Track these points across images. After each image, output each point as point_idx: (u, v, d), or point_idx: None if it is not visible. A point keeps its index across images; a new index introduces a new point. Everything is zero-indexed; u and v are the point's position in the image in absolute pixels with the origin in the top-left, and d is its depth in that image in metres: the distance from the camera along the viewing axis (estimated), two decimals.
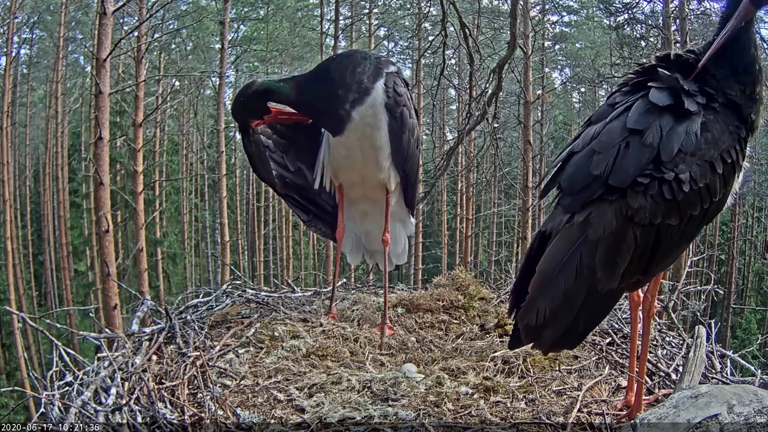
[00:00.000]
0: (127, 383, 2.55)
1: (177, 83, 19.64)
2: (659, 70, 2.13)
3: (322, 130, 3.35)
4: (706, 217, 2.09)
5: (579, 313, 1.99)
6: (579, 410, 2.35)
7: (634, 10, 11.57)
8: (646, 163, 1.97)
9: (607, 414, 2.31)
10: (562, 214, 2.06)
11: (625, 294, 2.30)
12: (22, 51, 20.30)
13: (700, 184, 2.00)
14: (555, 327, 2.00)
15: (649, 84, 2.10)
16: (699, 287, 4.25)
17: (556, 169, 2.18)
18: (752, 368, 2.92)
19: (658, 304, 3.54)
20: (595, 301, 2.00)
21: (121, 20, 12.59)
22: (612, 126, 2.07)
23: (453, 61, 15.07)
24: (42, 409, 2.39)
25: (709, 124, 2.04)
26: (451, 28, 7.11)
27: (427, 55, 11.99)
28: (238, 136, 3.51)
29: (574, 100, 26.85)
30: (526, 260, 2.16)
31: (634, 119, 2.03)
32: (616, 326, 3.29)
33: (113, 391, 2.47)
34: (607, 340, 3.11)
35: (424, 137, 20.11)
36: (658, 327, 3.33)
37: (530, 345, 2.11)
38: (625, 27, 12.22)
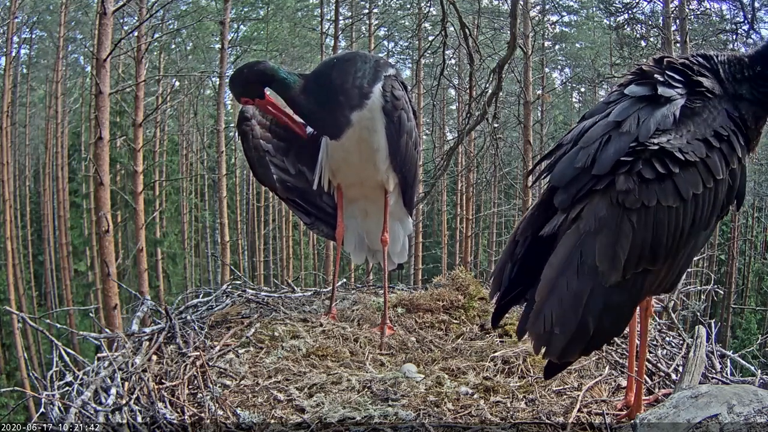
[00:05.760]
0: (127, 383, 2.55)
1: (177, 83, 19.67)
2: (649, 68, 2.14)
3: None
4: (717, 201, 2.00)
5: (586, 315, 1.90)
6: (579, 410, 2.34)
7: (634, 10, 11.58)
8: (625, 146, 1.95)
9: (607, 414, 2.31)
10: (558, 215, 2.04)
11: None
12: (22, 51, 20.37)
13: (695, 158, 1.93)
14: (563, 332, 1.90)
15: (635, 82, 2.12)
16: (699, 287, 4.25)
17: (545, 157, 2.20)
18: (752, 368, 2.91)
19: (657, 303, 3.54)
20: (602, 299, 1.91)
21: (121, 20, 12.59)
22: (599, 123, 2.07)
23: (453, 61, 15.14)
24: (42, 409, 2.39)
25: (696, 108, 2.02)
26: (451, 28, 7.11)
27: (427, 55, 11.97)
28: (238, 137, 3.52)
29: (574, 100, 26.88)
30: (511, 247, 2.14)
31: (616, 113, 2.04)
32: None
33: (113, 391, 2.47)
34: None
35: (424, 137, 20.17)
36: (658, 327, 3.32)
37: (542, 354, 2.01)
38: (625, 27, 12.23)
